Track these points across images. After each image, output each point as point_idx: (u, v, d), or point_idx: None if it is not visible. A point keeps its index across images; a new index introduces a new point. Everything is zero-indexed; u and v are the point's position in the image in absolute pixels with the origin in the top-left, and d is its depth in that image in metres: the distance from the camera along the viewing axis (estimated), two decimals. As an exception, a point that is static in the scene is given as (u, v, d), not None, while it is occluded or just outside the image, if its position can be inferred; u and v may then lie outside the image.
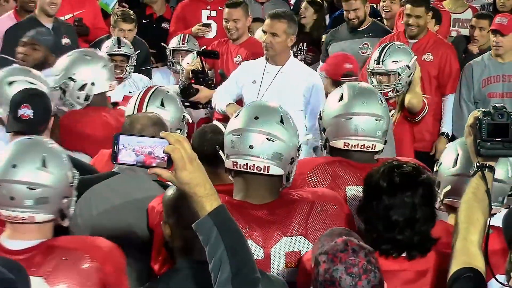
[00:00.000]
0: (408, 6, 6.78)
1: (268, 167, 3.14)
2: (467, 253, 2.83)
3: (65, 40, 6.56)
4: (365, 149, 3.73)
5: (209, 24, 7.70)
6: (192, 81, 6.42)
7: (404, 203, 2.89)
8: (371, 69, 5.63)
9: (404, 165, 2.98)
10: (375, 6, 8.02)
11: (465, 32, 7.73)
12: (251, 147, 3.14)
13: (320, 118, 3.83)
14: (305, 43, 7.90)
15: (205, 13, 7.82)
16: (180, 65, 7.11)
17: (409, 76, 5.56)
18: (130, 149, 2.45)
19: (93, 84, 4.84)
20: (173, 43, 7.47)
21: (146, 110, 4.10)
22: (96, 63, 4.92)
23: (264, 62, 5.94)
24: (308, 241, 3.14)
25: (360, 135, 3.71)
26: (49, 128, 4.27)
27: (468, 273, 2.76)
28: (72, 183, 3.02)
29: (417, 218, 2.90)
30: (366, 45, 6.99)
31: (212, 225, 2.47)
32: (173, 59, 7.41)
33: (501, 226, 2.93)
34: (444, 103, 6.76)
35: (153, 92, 4.19)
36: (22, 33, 5.92)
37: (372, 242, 2.83)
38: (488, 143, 2.90)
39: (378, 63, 5.54)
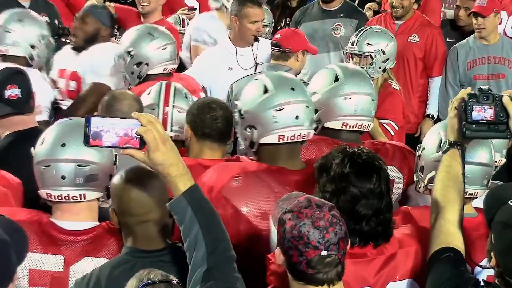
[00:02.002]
0: None
1: (309, 133, 3.42)
2: (445, 233, 2.84)
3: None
4: (362, 129, 3.79)
5: (194, 9, 7.61)
6: None
7: (372, 194, 2.87)
8: (345, 50, 5.59)
9: (360, 152, 2.94)
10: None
11: (452, 14, 7.71)
12: (297, 117, 3.32)
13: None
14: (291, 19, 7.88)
15: None
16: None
17: (383, 62, 5.43)
18: (103, 131, 2.44)
19: (147, 64, 4.92)
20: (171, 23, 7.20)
21: (174, 102, 4.15)
22: (157, 43, 4.99)
23: (231, 46, 5.93)
24: None
25: (359, 114, 3.75)
26: (38, 108, 4.27)
27: (448, 252, 2.78)
28: (115, 162, 3.05)
29: (382, 208, 2.89)
30: (339, 26, 6.86)
31: (186, 204, 2.49)
32: None
33: None
34: (430, 85, 6.76)
35: (175, 87, 4.21)
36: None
37: None
38: (474, 125, 2.93)
39: (352, 44, 5.48)
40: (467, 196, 3.20)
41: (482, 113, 2.91)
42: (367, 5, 7.60)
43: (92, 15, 5.56)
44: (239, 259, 2.65)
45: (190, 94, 4.20)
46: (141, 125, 2.46)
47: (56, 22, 6.26)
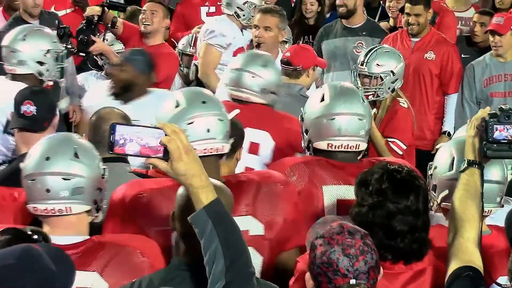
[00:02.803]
0: (407, 4, 6.77)
1: (224, 146, 3.25)
2: (464, 251, 2.83)
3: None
4: (348, 149, 3.70)
5: None
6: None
7: (409, 210, 2.87)
8: (354, 70, 5.54)
9: (401, 169, 2.95)
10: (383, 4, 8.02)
11: (467, 30, 7.72)
12: (208, 130, 3.19)
13: (302, 120, 3.80)
14: (310, 36, 7.90)
15: (204, 10, 7.73)
16: (188, 68, 7.02)
17: (392, 82, 5.38)
18: (127, 139, 2.45)
19: None
20: (183, 44, 7.23)
21: None
22: None
23: None
24: (256, 220, 3.22)
25: (343, 135, 3.69)
26: (53, 125, 4.30)
27: (467, 271, 2.76)
28: (104, 175, 3.04)
29: (418, 226, 2.88)
30: (361, 44, 6.87)
31: (207, 218, 2.47)
32: (180, 63, 7.30)
33: (499, 225, 2.92)
34: (447, 102, 6.74)
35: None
36: None
37: None
38: (495, 145, 2.94)
39: (362, 64, 5.42)
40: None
41: (504, 132, 2.93)
42: (382, 25, 7.62)
43: (129, 62, 5.35)
44: None
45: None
46: (165, 135, 2.46)
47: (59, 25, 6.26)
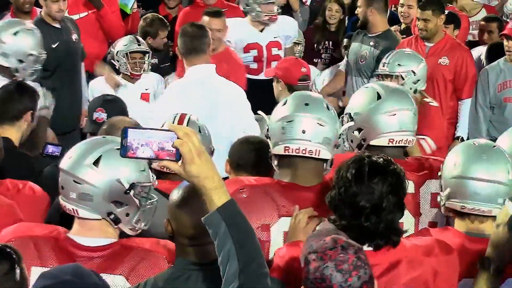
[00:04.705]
0: (418, 10, 6.85)
1: (319, 150, 3.37)
2: None
3: (74, 36, 6.62)
4: (407, 144, 3.82)
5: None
6: None
7: (371, 190, 2.90)
8: (377, 72, 5.62)
9: (375, 156, 2.99)
10: (394, 10, 8.04)
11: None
12: (303, 131, 3.35)
13: (351, 120, 3.84)
14: (330, 42, 7.96)
15: None
16: None
17: (414, 83, 5.44)
18: (139, 143, 2.46)
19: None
20: None
21: None
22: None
23: None
24: None
25: (404, 130, 3.79)
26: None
27: None
28: (128, 192, 2.99)
29: (384, 207, 2.90)
30: (365, 53, 6.87)
31: (221, 219, 2.48)
32: None
33: None
34: (460, 107, 6.74)
35: (189, 119, 4.12)
36: None
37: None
38: None
39: (383, 65, 5.52)
40: (480, 214, 3.23)
41: None
42: (392, 29, 7.63)
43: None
44: None
45: (205, 127, 4.11)
46: (178, 138, 2.46)
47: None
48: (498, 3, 8.61)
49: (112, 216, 2.99)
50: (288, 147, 3.40)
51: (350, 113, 3.86)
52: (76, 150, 3.04)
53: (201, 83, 5.22)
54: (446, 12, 6.89)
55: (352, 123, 3.83)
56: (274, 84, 5.76)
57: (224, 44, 6.67)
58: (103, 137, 3.19)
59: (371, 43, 6.86)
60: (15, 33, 5.31)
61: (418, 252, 2.97)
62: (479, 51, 7.38)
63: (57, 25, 6.49)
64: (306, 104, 3.41)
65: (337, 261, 2.50)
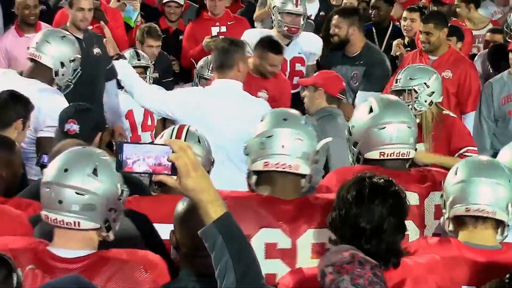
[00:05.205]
0: (421, 23, 6.87)
1: (299, 165, 3.38)
2: None
3: (96, 50, 6.66)
4: (400, 157, 3.83)
5: (217, 36, 7.71)
6: None
7: (372, 212, 2.92)
8: (391, 89, 5.61)
9: (375, 177, 3.01)
10: (398, 24, 8.05)
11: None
12: (283, 146, 3.38)
13: (350, 134, 3.90)
14: None
15: (214, 30, 7.85)
16: None
17: (429, 95, 5.41)
18: (134, 157, 2.47)
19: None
20: (201, 66, 7.10)
21: None
22: None
23: None
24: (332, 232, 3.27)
25: (395, 143, 3.80)
26: (95, 143, 4.41)
27: None
28: (121, 197, 3.05)
29: (384, 228, 2.92)
30: (355, 75, 6.92)
31: (217, 232, 2.49)
32: (198, 84, 7.26)
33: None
34: (464, 121, 6.69)
35: (188, 129, 4.10)
36: None
37: None
38: None
39: (396, 82, 5.51)
40: (484, 215, 3.23)
41: None
42: (395, 42, 7.64)
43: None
44: None
45: (205, 137, 4.09)
46: (173, 152, 2.48)
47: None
48: (502, 16, 8.62)
49: (107, 224, 3.01)
50: (267, 162, 3.41)
51: (349, 127, 3.94)
52: (66, 163, 3.00)
53: (220, 92, 5.29)
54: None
55: (350, 137, 3.92)
56: (309, 93, 5.78)
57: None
58: (83, 147, 3.22)
59: (357, 63, 6.85)
60: (62, 37, 5.47)
61: (422, 270, 2.98)
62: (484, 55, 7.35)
63: (80, 36, 6.53)
64: (285, 119, 3.45)
65: (353, 275, 2.51)
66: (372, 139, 3.83)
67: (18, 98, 4.63)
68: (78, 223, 2.97)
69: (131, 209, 3.49)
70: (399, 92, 5.41)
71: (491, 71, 7.28)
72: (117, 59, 5.38)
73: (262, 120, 3.51)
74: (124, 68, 5.37)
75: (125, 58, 5.48)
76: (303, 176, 3.44)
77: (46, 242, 3.04)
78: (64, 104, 5.04)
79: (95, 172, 2.97)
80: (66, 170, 2.97)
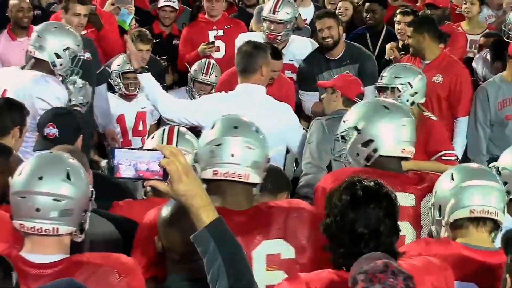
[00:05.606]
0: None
1: (249, 174, 3.29)
2: None
3: (86, 54, 6.63)
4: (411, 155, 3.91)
5: (213, 42, 7.70)
6: None
7: (368, 216, 2.92)
8: (375, 85, 5.69)
9: (364, 180, 3.01)
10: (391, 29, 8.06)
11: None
12: (232, 155, 3.28)
13: (359, 132, 3.89)
14: None
15: (211, 34, 7.82)
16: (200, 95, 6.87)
17: (412, 95, 5.47)
18: (126, 163, 2.48)
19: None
20: (195, 70, 7.22)
21: (177, 145, 4.03)
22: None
23: None
24: (287, 243, 3.26)
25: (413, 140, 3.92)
26: (77, 146, 4.36)
27: None
28: (91, 197, 3.06)
29: (381, 231, 2.92)
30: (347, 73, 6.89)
31: (209, 237, 2.52)
32: (192, 88, 7.23)
33: None
34: (456, 125, 6.66)
35: (179, 130, 4.12)
36: None
37: (338, 259, 2.92)
38: None
39: (381, 78, 5.59)
40: (489, 216, 3.26)
41: None
42: (388, 46, 7.63)
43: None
44: None
45: (192, 136, 4.10)
46: (164, 157, 2.49)
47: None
48: (495, 20, 8.61)
49: (80, 226, 3.01)
50: (216, 171, 3.31)
51: (356, 126, 3.87)
52: (38, 170, 2.96)
53: (243, 96, 5.29)
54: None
55: (358, 136, 3.86)
56: (326, 95, 5.73)
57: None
58: (50, 152, 3.20)
59: (344, 63, 6.80)
60: (53, 29, 5.54)
61: (418, 271, 2.94)
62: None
63: None
64: (235, 127, 3.35)
65: (385, 285, 2.49)
66: (393, 137, 3.87)
67: (13, 106, 4.63)
68: (57, 229, 2.95)
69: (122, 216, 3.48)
70: (382, 89, 5.48)
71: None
72: (140, 72, 5.31)
73: (212, 127, 3.41)
74: (148, 82, 5.29)
75: (149, 71, 5.36)
76: (254, 185, 3.37)
77: (19, 247, 3.02)
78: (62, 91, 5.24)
79: (68, 176, 2.95)
80: (40, 178, 2.94)
